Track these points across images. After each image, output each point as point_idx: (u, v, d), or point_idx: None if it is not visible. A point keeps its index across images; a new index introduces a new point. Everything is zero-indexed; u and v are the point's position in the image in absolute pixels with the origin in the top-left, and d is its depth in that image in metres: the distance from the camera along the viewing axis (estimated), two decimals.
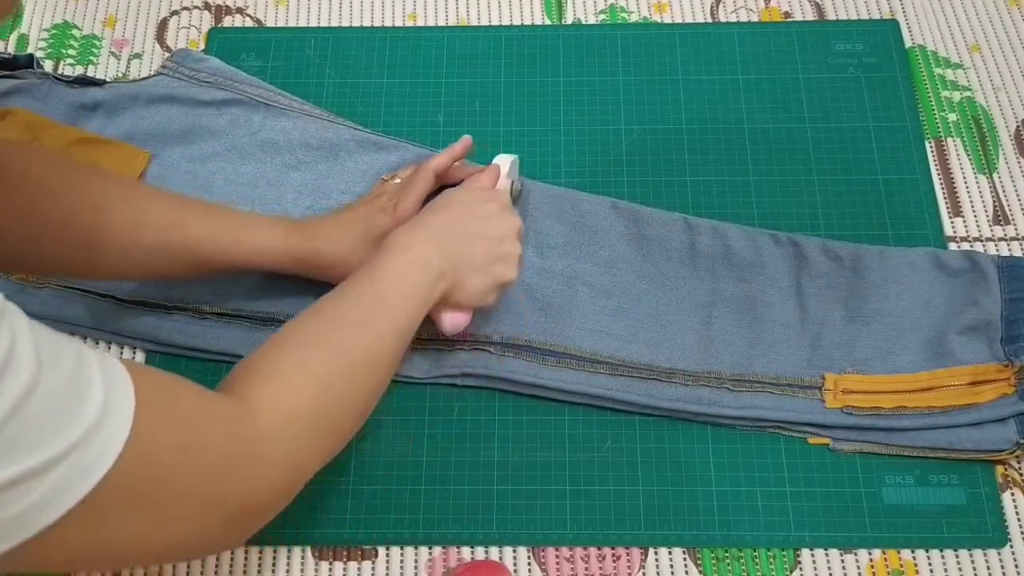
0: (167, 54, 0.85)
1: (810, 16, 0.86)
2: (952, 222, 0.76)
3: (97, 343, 0.73)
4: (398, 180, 0.72)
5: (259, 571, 0.65)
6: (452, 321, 0.64)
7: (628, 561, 0.65)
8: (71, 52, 0.86)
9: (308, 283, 0.72)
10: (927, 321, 0.70)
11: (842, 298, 0.71)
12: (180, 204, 0.64)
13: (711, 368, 0.69)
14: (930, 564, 0.64)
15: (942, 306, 0.70)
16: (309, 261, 0.66)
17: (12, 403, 0.36)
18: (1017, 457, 0.67)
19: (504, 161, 0.70)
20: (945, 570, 0.64)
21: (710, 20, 0.86)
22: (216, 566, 0.65)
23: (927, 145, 0.80)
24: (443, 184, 0.72)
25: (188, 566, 0.65)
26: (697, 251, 0.73)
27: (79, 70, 0.85)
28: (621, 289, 0.72)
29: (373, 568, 0.65)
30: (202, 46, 0.86)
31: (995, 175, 0.79)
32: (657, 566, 0.65)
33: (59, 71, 0.84)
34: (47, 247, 0.60)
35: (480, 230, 0.63)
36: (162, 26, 0.87)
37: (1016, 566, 0.64)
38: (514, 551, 0.65)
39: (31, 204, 0.58)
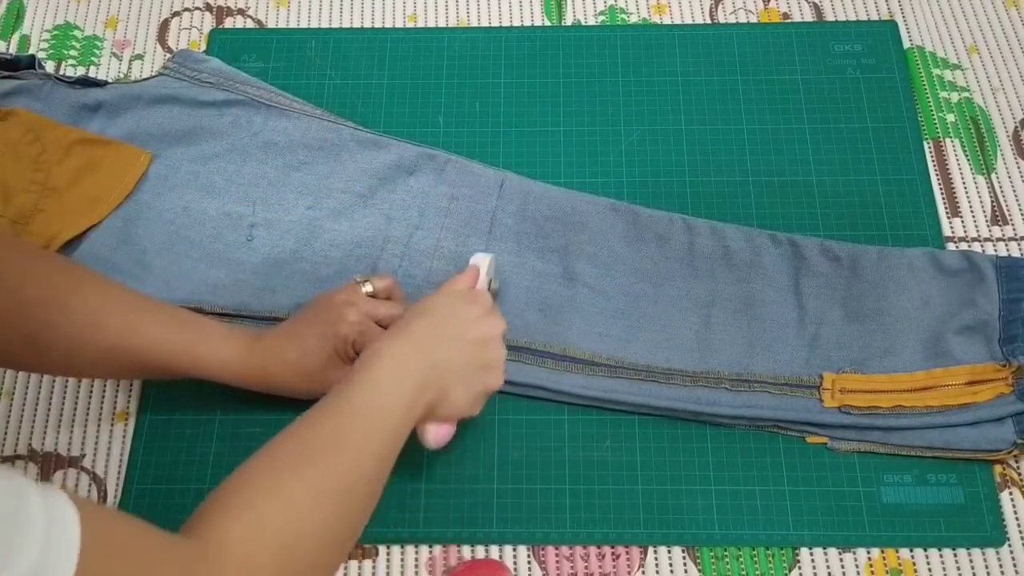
0: (168, 55, 0.85)
1: (809, 17, 0.87)
2: (950, 222, 0.77)
3: None
4: (370, 287, 0.66)
5: None
6: (436, 435, 0.61)
7: (628, 560, 0.65)
8: (73, 53, 0.86)
9: (309, 283, 0.72)
10: (925, 321, 0.70)
11: (840, 298, 0.72)
12: (138, 307, 0.60)
13: (709, 368, 0.69)
14: (928, 563, 0.65)
15: (940, 306, 0.71)
16: (262, 382, 0.63)
17: None
18: (1015, 456, 0.67)
19: (482, 261, 0.67)
20: (944, 569, 0.64)
21: (709, 21, 0.87)
22: None
23: (925, 146, 0.80)
24: None
25: None
26: (696, 252, 0.73)
27: (81, 71, 0.85)
28: (620, 290, 0.72)
29: (373, 567, 0.65)
30: (203, 47, 0.86)
31: (993, 176, 0.79)
32: (656, 565, 0.65)
33: (61, 72, 0.85)
34: None
35: (463, 335, 0.59)
36: (163, 27, 0.88)
37: (1014, 565, 0.64)
38: (514, 550, 0.66)
39: None
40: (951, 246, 0.75)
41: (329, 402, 0.53)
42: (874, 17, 0.86)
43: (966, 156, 0.80)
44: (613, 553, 0.65)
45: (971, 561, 0.65)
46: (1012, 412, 0.66)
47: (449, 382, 0.58)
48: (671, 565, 0.65)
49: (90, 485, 0.68)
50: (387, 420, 0.54)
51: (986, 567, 0.64)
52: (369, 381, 0.54)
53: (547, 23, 0.87)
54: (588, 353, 0.70)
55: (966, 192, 0.78)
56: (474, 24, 0.87)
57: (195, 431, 0.69)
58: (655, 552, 0.65)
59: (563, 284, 0.73)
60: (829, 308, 0.71)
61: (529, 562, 0.65)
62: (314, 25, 0.87)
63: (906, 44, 0.85)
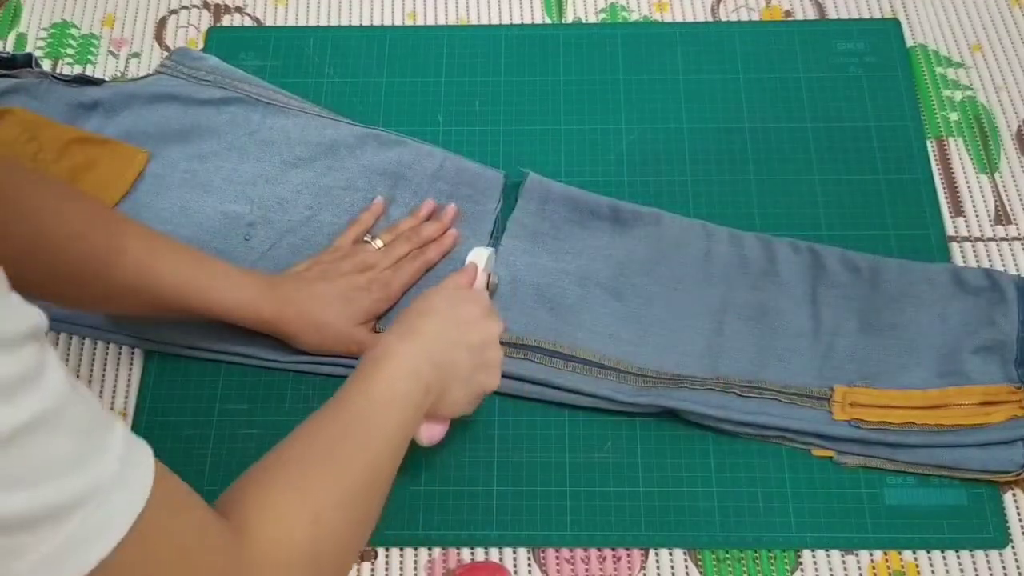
0: (166, 53, 0.85)
1: (811, 15, 0.86)
2: (953, 222, 0.76)
3: (96, 343, 0.73)
4: (378, 243, 0.71)
5: None
6: (430, 433, 0.61)
7: (628, 562, 0.65)
8: (69, 51, 0.86)
9: None
10: (941, 338, 0.69)
11: (857, 310, 0.70)
12: (155, 246, 0.62)
13: (719, 374, 0.69)
14: (931, 565, 0.64)
15: (958, 324, 0.70)
16: (277, 328, 0.66)
17: (28, 419, 0.33)
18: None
19: (480, 256, 0.67)
20: (946, 571, 0.64)
21: (711, 19, 0.86)
22: None
23: (928, 144, 0.79)
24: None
25: None
26: (712, 257, 0.72)
27: (78, 69, 0.84)
28: (633, 292, 0.72)
29: (372, 569, 0.65)
30: (201, 45, 0.85)
31: (996, 174, 0.79)
32: (658, 567, 0.65)
33: (58, 70, 0.84)
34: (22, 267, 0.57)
35: (464, 337, 0.59)
36: (161, 25, 0.87)
37: (1017, 567, 0.64)
38: (514, 552, 0.65)
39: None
40: (954, 245, 0.75)
41: (346, 397, 0.54)
42: (877, 15, 0.86)
43: (969, 155, 0.79)
44: (614, 555, 0.65)
45: (974, 563, 0.64)
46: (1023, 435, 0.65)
47: (450, 382, 0.58)
48: (672, 567, 0.65)
49: None
50: (401, 415, 0.55)
51: (989, 569, 0.64)
52: (384, 377, 0.55)
53: (547, 21, 0.87)
54: (597, 355, 0.69)
55: (969, 191, 0.78)
56: (474, 22, 0.87)
57: (193, 432, 0.69)
58: (656, 554, 0.65)
59: (575, 284, 0.72)
60: (845, 319, 0.70)
61: (529, 564, 0.65)
62: (312, 23, 0.87)
63: (909, 42, 0.84)
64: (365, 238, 0.72)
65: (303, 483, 0.48)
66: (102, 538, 0.36)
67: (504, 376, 0.67)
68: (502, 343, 0.67)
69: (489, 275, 0.68)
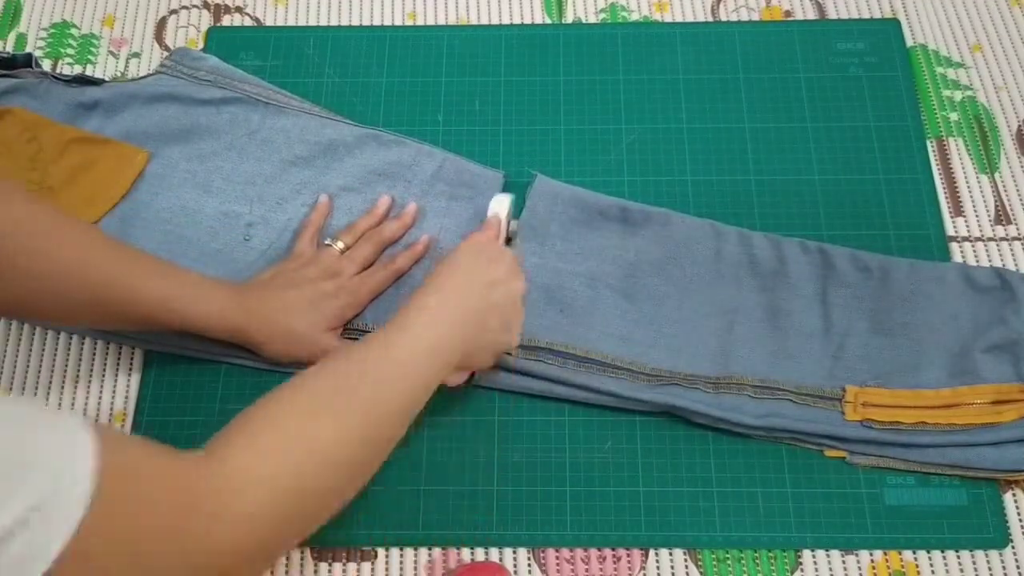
0: (166, 53, 0.85)
1: (811, 15, 0.86)
2: (953, 222, 0.76)
3: (96, 343, 0.73)
4: (340, 245, 0.70)
5: None
6: (453, 378, 0.63)
7: (628, 562, 0.65)
8: (69, 51, 0.86)
9: None
10: (952, 337, 0.69)
11: (868, 310, 0.70)
12: (120, 258, 0.61)
13: (732, 373, 0.68)
14: (931, 565, 0.64)
15: (968, 323, 0.70)
16: (245, 336, 0.66)
17: None
18: None
19: (502, 205, 0.68)
20: (947, 571, 0.64)
21: (711, 19, 0.86)
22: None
23: (928, 144, 0.79)
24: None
25: None
26: (723, 258, 0.72)
27: (78, 69, 0.84)
28: (645, 293, 0.71)
29: (372, 569, 0.65)
30: (201, 45, 0.85)
31: (996, 174, 0.78)
32: (658, 567, 0.65)
33: (58, 70, 0.84)
34: None
35: (490, 298, 0.60)
36: (161, 25, 0.87)
37: (1017, 567, 0.64)
38: (514, 552, 0.65)
39: None
40: (954, 246, 0.75)
41: (369, 347, 0.54)
42: (877, 15, 0.86)
43: (969, 155, 0.79)
44: (614, 555, 0.65)
45: (974, 563, 0.64)
46: None
47: (474, 342, 0.60)
48: (672, 567, 0.64)
49: None
50: (420, 373, 0.55)
51: (989, 569, 0.64)
52: (409, 336, 0.55)
53: (547, 21, 0.87)
54: (609, 356, 0.69)
55: (969, 191, 0.78)
56: (474, 22, 0.87)
57: (192, 432, 0.69)
58: (656, 554, 0.65)
59: (585, 285, 0.72)
60: (856, 320, 0.70)
61: (529, 564, 0.65)
62: (312, 23, 0.87)
63: (909, 42, 0.84)
64: (326, 241, 0.71)
65: (300, 431, 0.48)
66: (46, 551, 0.36)
67: (515, 372, 0.68)
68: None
69: (510, 223, 0.69)
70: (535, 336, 0.69)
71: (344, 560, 0.65)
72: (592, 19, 0.87)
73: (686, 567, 0.65)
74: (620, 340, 0.70)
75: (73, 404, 0.71)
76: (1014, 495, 0.66)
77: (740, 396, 0.67)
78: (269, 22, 0.87)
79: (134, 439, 0.44)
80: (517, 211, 0.73)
